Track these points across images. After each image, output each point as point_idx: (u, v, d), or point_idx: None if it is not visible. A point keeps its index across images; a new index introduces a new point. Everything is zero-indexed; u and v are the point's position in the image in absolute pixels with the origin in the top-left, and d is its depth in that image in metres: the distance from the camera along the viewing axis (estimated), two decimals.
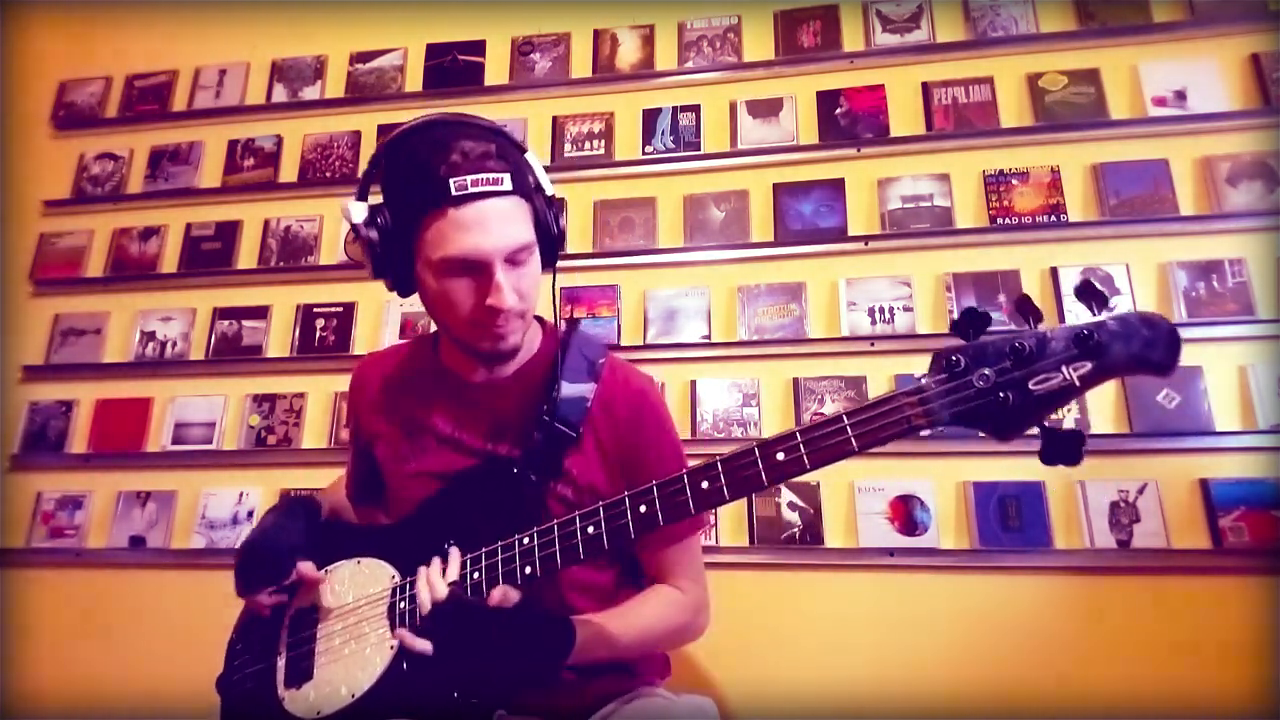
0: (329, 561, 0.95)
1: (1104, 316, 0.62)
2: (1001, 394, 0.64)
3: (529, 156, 0.90)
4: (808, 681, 1.38)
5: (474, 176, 0.80)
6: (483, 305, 0.83)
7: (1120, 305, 1.44)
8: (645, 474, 0.91)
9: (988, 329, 0.67)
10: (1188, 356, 1.37)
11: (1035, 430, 0.64)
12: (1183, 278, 1.43)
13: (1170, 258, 1.45)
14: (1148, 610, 1.32)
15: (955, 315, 0.68)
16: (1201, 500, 1.35)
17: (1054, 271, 1.48)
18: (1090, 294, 0.63)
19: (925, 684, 1.36)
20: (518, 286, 0.84)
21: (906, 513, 1.42)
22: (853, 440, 0.69)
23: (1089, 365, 0.62)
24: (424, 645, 0.77)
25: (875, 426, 0.68)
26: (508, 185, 0.82)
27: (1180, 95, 1.52)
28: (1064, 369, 0.63)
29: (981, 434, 0.66)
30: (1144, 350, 0.62)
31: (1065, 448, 0.63)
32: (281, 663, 0.90)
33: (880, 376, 1.49)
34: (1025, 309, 0.65)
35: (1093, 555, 1.35)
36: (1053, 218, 1.50)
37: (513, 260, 0.84)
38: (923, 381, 0.68)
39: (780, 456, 0.71)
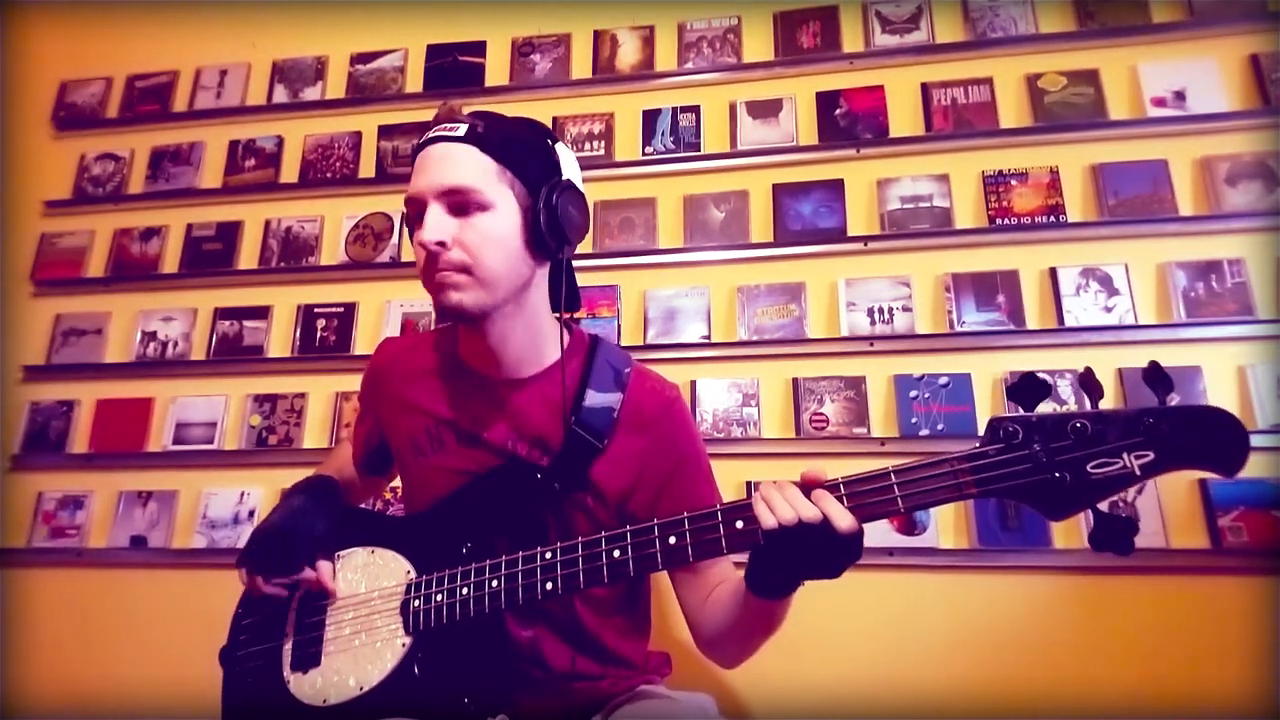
0: (342, 545, 0.94)
1: (1170, 404, 0.60)
2: (1058, 474, 0.62)
3: (558, 147, 0.90)
4: (807, 680, 1.38)
5: (438, 126, 0.85)
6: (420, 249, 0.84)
7: (1122, 305, 1.44)
8: (675, 487, 0.92)
9: (1046, 398, 0.65)
10: (1187, 357, 1.39)
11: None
12: (1182, 278, 1.43)
13: (1169, 258, 1.45)
14: (1148, 610, 1.32)
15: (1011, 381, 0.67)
16: (1201, 500, 1.35)
17: (1053, 272, 1.48)
18: (1157, 379, 0.61)
19: (925, 684, 1.36)
20: (460, 236, 0.83)
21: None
22: (899, 500, 0.67)
23: (1151, 455, 0.60)
24: (850, 520, 0.68)
25: (924, 490, 0.67)
26: (460, 133, 0.84)
27: (1180, 95, 1.52)
28: (1125, 455, 0.61)
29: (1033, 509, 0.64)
30: (1211, 449, 0.60)
31: (1117, 535, 0.62)
32: (289, 645, 0.90)
33: (880, 377, 1.49)
34: (1088, 385, 0.63)
35: (1093, 555, 1.34)
36: (1052, 218, 1.50)
37: (457, 209, 0.83)
38: (976, 447, 0.66)
39: None
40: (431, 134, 0.86)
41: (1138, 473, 0.61)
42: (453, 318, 0.88)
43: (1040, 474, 0.63)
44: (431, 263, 0.83)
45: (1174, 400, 0.62)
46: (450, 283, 0.83)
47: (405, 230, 0.82)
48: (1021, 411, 0.66)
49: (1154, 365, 0.62)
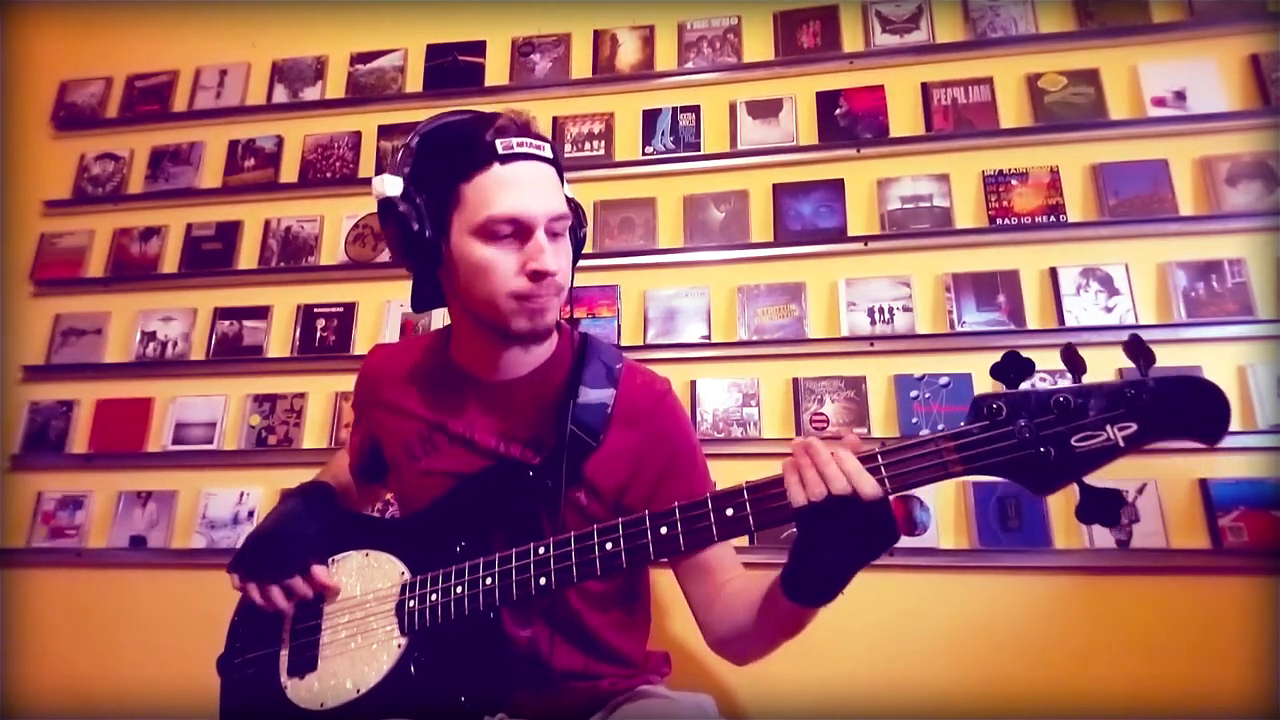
0: (337, 549, 0.95)
1: (1151, 376, 0.60)
2: (1042, 448, 0.62)
3: None
4: (807, 680, 1.38)
5: (519, 139, 0.83)
6: (525, 271, 0.82)
7: (1122, 305, 1.44)
8: (670, 479, 0.92)
9: (1030, 376, 0.65)
10: (1187, 357, 1.39)
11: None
12: (1182, 278, 1.43)
13: (1170, 258, 1.45)
14: (1148, 610, 1.32)
15: (997, 360, 0.67)
16: (1201, 500, 1.35)
17: (1053, 272, 1.48)
18: (1138, 351, 0.61)
19: (925, 684, 1.36)
20: (556, 259, 0.84)
21: (906, 512, 1.42)
22: (886, 481, 0.66)
23: (1134, 426, 0.60)
24: (874, 486, 0.65)
25: (910, 469, 0.66)
26: (549, 154, 0.85)
27: (1180, 95, 1.52)
28: (1108, 428, 0.61)
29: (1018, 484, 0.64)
30: (1193, 418, 0.59)
31: (1103, 507, 0.62)
32: (285, 651, 0.90)
33: (880, 377, 1.49)
34: (1070, 361, 0.63)
35: (1092, 555, 1.35)
36: (1052, 218, 1.50)
37: (552, 231, 0.84)
38: (962, 425, 0.66)
39: None
40: (520, 149, 0.82)
41: (1121, 444, 0.61)
42: (542, 338, 0.90)
43: (1025, 449, 0.63)
44: (538, 283, 0.82)
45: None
46: (551, 307, 0.86)
47: (466, 237, 0.77)
48: (1005, 389, 0.65)
49: (1134, 338, 0.62)
